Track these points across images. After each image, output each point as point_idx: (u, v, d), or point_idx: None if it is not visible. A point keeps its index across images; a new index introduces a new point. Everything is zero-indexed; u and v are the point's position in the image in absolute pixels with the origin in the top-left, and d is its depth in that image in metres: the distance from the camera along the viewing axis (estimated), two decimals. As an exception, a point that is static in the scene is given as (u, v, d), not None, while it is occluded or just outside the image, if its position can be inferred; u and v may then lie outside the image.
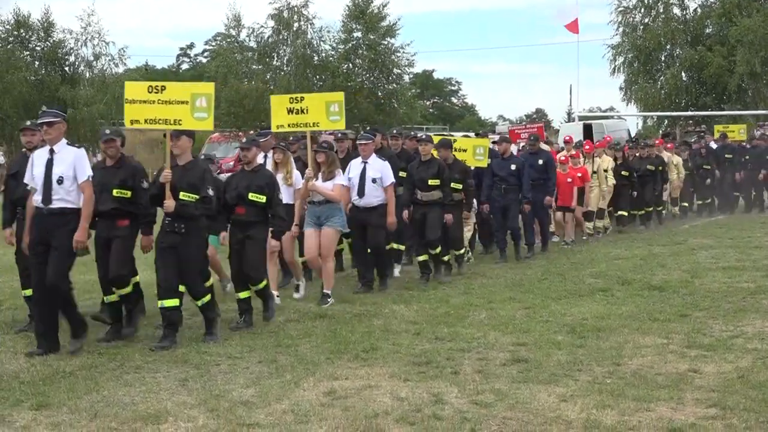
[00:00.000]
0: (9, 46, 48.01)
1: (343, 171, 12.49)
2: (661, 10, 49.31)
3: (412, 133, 15.65)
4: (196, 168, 9.72)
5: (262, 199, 10.48)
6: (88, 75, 49.15)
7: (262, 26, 52.59)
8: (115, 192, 9.80)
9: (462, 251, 14.54)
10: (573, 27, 43.19)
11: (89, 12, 48.99)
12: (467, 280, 13.59)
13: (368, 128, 15.57)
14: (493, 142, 17.46)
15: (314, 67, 52.59)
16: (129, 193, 9.88)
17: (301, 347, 9.18)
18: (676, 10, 49.78)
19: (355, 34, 53.49)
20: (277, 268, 12.16)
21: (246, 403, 7.20)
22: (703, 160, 24.33)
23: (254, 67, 52.75)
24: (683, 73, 48.81)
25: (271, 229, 10.71)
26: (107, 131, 10.55)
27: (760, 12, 44.99)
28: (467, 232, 15.23)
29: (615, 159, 20.20)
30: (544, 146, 18.87)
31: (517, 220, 15.92)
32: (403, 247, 14.34)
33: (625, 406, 6.96)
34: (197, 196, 9.48)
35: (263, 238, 10.63)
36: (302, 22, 52.27)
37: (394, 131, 16.04)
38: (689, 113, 47.73)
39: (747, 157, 25.11)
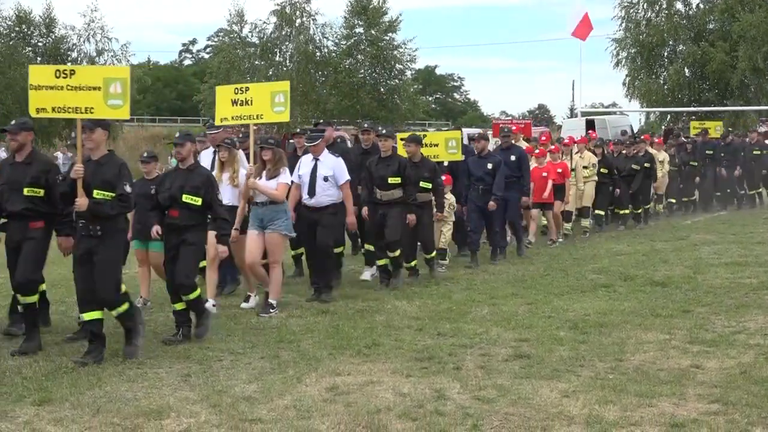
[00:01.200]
0: (11, 42, 48.03)
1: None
2: (665, 6, 49.27)
3: (380, 128, 14.86)
4: (111, 163, 8.65)
5: (198, 201, 9.46)
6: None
7: (264, 22, 52.66)
8: (26, 191, 9.10)
9: (433, 254, 13.61)
10: (580, 33, 42.63)
11: (92, 8, 49.07)
12: (469, 276, 13.59)
13: (320, 122, 14.73)
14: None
15: (316, 63, 52.60)
16: (42, 192, 9.17)
17: (304, 343, 9.18)
18: (679, 6, 49.74)
19: (356, 30, 53.52)
20: (217, 275, 11.34)
21: (248, 398, 7.20)
22: (689, 157, 23.91)
23: (256, 63, 52.77)
24: (686, 69, 48.78)
25: (215, 233, 9.89)
26: (13, 122, 9.57)
27: (763, 7, 44.94)
28: (447, 232, 14.57)
29: (595, 155, 19.48)
30: (521, 143, 18.27)
31: (496, 221, 15.06)
32: (373, 248, 13.21)
33: (627, 402, 6.95)
34: (113, 194, 8.48)
35: (199, 244, 9.72)
36: (304, 18, 52.31)
37: (365, 125, 15.06)
38: (692, 109, 47.66)
39: (722, 154, 24.86)
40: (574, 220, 18.94)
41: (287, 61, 52.93)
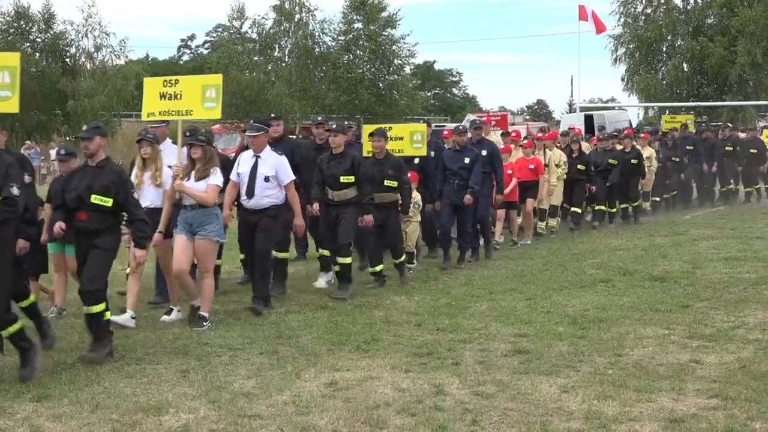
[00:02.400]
0: (9, 38, 48.01)
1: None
2: (663, 1, 49.30)
3: (331, 123, 13.59)
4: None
5: (108, 201, 8.44)
6: (89, 67, 49.15)
7: (263, 17, 52.66)
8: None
9: (402, 258, 12.69)
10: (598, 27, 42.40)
11: (90, 3, 49.05)
12: (468, 271, 13.58)
13: (273, 115, 13.12)
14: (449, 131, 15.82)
15: (315, 59, 52.62)
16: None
17: (302, 338, 9.17)
18: (678, 1, 49.79)
19: (355, 25, 53.54)
20: (141, 283, 10.28)
21: (247, 394, 7.19)
22: (671, 152, 23.28)
23: (255, 58, 52.78)
24: (684, 64, 48.86)
25: (132, 237, 9.09)
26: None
27: (761, 2, 45.01)
28: (412, 233, 13.51)
29: (571, 151, 18.92)
30: (496, 138, 17.74)
31: (470, 219, 14.23)
32: (327, 253, 12.32)
33: (626, 397, 6.95)
34: None
35: (110, 250, 8.58)
36: (303, 14, 52.31)
37: (319, 118, 14.02)
38: (690, 104, 47.71)
39: (701, 149, 24.39)
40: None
41: (286, 57, 52.96)
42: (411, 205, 12.99)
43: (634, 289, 11.68)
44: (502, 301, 11.00)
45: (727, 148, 24.57)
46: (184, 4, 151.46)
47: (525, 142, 17.72)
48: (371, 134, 12.75)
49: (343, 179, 11.61)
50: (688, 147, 23.74)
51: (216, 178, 9.97)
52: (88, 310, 8.34)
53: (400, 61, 54.29)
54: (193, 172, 9.98)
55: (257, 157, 10.72)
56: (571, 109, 59.40)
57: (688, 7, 49.96)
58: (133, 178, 9.88)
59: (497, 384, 7.37)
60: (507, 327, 9.55)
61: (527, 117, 68.37)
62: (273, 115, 12.81)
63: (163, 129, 11.10)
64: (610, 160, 19.51)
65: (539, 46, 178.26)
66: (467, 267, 13.96)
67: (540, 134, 18.86)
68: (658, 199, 22.57)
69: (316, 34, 52.97)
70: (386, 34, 53.28)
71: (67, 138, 42.12)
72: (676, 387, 7.20)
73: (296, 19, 51.98)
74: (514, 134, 18.72)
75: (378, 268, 12.35)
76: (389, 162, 12.47)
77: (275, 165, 10.70)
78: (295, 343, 8.98)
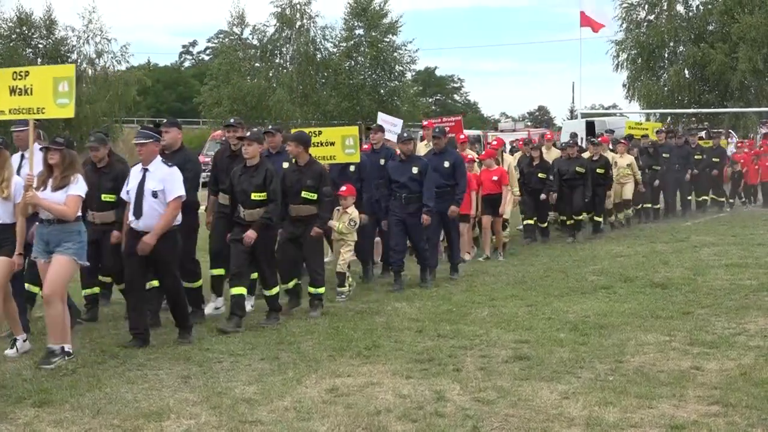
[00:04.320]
0: (11, 44, 48.12)
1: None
2: (665, 7, 49.33)
3: (270, 127, 12.89)
4: None
5: None
6: (90, 73, 49.23)
7: (264, 24, 52.78)
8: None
9: (321, 289, 11.04)
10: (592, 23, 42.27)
11: (91, 9, 49.13)
12: (469, 277, 13.57)
13: (164, 120, 11.62)
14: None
15: (316, 65, 52.71)
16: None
17: (304, 344, 9.17)
18: (680, 7, 49.79)
19: (357, 32, 53.62)
20: (13, 305, 8.90)
21: (248, 400, 7.20)
22: (652, 160, 21.99)
23: (257, 64, 52.88)
24: (686, 70, 48.84)
25: None
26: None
27: (762, 9, 45.00)
28: (347, 254, 12.11)
29: (531, 159, 17.94)
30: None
31: (422, 236, 12.91)
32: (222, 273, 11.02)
33: (627, 404, 6.95)
34: None
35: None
36: (305, 20, 52.41)
37: (231, 120, 11.83)
38: (692, 110, 47.72)
39: (677, 157, 23.22)
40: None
41: (287, 63, 53.05)
42: (347, 223, 11.96)
43: (635, 296, 11.68)
44: (503, 308, 10.99)
45: (696, 157, 23.90)
46: (185, 11, 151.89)
47: (484, 153, 16.71)
48: (289, 138, 11.62)
49: (255, 196, 10.15)
50: (664, 155, 22.62)
51: (77, 187, 8.58)
52: None
53: (401, 68, 54.36)
54: (50, 181, 8.63)
55: (145, 170, 9.22)
56: (573, 116, 59.42)
57: (690, 14, 49.96)
58: None
59: (498, 390, 7.37)
60: (508, 333, 9.55)
61: (528, 123, 68.37)
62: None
63: (26, 133, 9.76)
64: (577, 169, 18.20)
65: (541, 52, 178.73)
66: (469, 273, 13.93)
67: (495, 143, 17.50)
68: (638, 207, 21.72)
69: (318, 40, 53.10)
70: (387, 40, 53.35)
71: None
72: (677, 393, 7.21)
73: (297, 26, 52.08)
74: (495, 142, 17.71)
75: (291, 284, 11.08)
76: (310, 171, 10.98)
77: (163, 178, 9.14)
78: (296, 349, 8.99)
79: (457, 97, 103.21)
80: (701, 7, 49.66)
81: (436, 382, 7.64)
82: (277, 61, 53.61)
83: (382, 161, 13.69)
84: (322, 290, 11.03)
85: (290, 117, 48.00)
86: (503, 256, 15.76)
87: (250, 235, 10.01)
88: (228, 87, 50.89)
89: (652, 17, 49.92)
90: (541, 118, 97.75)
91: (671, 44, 49.64)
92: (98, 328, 10.07)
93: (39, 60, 48.66)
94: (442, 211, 13.17)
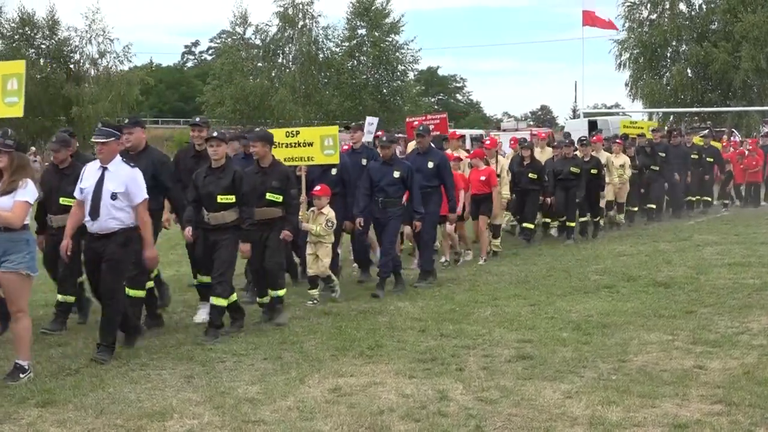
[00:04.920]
0: (14, 44, 48.24)
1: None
2: (667, 6, 49.36)
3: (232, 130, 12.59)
4: None
5: None
6: (93, 73, 49.33)
7: (267, 24, 52.85)
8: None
9: (281, 292, 10.53)
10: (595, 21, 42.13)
11: (94, 9, 49.23)
12: (472, 277, 13.56)
13: (129, 118, 11.22)
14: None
15: (319, 65, 52.77)
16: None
17: (306, 344, 9.17)
18: (682, 6, 49.87)
19: (359, 32, 53.69)
20: None
21: (251, 399, 7.20)
22: (650, 160, 21.42)
23: (259, 64, 52.94)
24: (689, 69, 48.91)
25: None
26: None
27: (765, 7, 45.07)
28: (326, 258, 11.55)
29: (522, 159, 17.15)
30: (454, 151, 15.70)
31: (393, 241, 12.48)
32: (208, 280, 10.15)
33: (630, 403, 6.95)
34: None
35: None
36: (307, 20, 52.48)
37: (197, 119, 11.38)
38: (695, 109, 47.73)
39: (673, 157, 22.61)
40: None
41: (290, 63, 53.11)
42: (324, 224, 11.42)
43: (638, 295, 11.67)
44: (506, 307, 10.99)
45: (692, 156, 23.41)
46: (187, 11, 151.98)
47: (473, 151, 16.06)
48: (253, 138, 11.00)
49: (221, 199, 9.70)
50: (660, 154, 22.08)
51: (26, 192, 7.97)
52: None
53: (403, 67, 54.41)
54: None
55: (104, 169, 8.65)
56: (575, 115, 59.42)
57: (693, 13, 49.99)
58: None
59: (501, 389, 7.37)
60: (511, 333, 9.55)
61: (531, 123, 68.35)
62: (133, 119, 10.77)
63: None
64: (572, 169, 17.63)
65: (543, 52, 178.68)
66: (472, 272, 13.93)
67: (488, 143, 16.83)
68: (635, 209, 21.13)
69: (320, 40, 53.17)
70: (390, 40, 53.40)
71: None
72: (680, 393, 7.20)
73: (300, 26, 52.14)
74: (488, 142, 17.03)
75: (264, 299, 10.61)
76: (275, 172, 10.55)
77: (126, 179, 8.59)
78: (299, 348, 8.99)
79: (459, 96, 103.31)
80: (704, 6, 49.75)
81: (439, 382, 7.63)
82: (279, 60, 53.72)
83: (363, 161, 13.35)
84: (282, 292, 10.54)
85: (293, 117, 48.05)
86: (485, 260, 15.07)
87: (245, 248, 9.82)
88: (230, 87, 50.99)
89: (654, 16, 49.97)
90: (543, 117, 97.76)
91: (674, 43, 49.73)
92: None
93: (42, 60, 48.77)
94: (425, 215, 12.62)
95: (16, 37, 48.56)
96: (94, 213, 8.55)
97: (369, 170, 12.53)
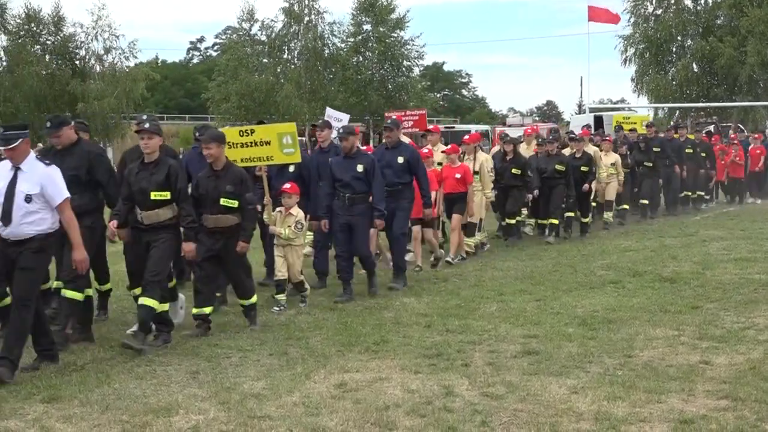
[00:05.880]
0: (20, 41, 48.32)
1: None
2: (673, 1, 49.30)
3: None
4: None
5: None
6: (98, 69, 49.40)
7: (273, 20, 52.90)
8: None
9: (253, 299, 9.96)
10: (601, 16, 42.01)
11: (100, 6, 49.30)
12: (478, 272, 13.55)
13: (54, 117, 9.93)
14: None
15: (324, 60, 52.79)
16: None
17: (312, 340, 9.18)
18: (688, 1, 49.81)
19: (364, 27, 53.68)
20: None
21: (257, 395, 7.20)
22: (644, 156, 20.86)
23: (264, 60, 52.97)
24: (694, 64, 48.85)
25: None
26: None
27: (771, 2, 44.92)
28: (298, 261, 10.96)
29: (504, 154, 16.46)
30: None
31: (366, 242, 11.91)
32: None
33: (636, 398, 6.94)
34: None
35: None
36: (313, 16, 52.51)
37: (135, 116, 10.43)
38: (700, 104, 47.67)
39: (669, 151, 21.94)
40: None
41: (295, 59, 53.14)
42: (294, 226, 10.78)
43: (644, 290, 11.66)
44: (512, 303, 10.98)
45: (687, 150, 22.82)
46: (193, 7, 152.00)
47: (449, 146, 15.07)
48: (207, 138, 10.00)
49: (154, 195, 8.95)
50: (655, 149, 21.31)
51: None
52: None
53: (409, 63, 54.39)
54: None
55: (17, 169, 7.95)
56: (581, 110, 59.35)
57: (698, 8, 49.91)
58: None
59: (507, 385, 7.37)
60: (516, 328, 9.54)
61: (537, 119, 68.30)
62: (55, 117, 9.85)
63: None
64: (557, 167, 16.88)
65: (549, 47, 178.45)
66: (478, 268, 13.92)
67: (467, 138, 15.73)
68: (626, 207, 20.45)
69: (326, 35, 53.16)
70: (395, 35, 53.38)
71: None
72: (686, 388, 7.19)
73: (305, 22, 52.15)
74: (467, 137, 15.94)
75: (207, 310, 9.63)
76: (229, 175, 9.72)
77: (40, 179, 7.91)
78: (304, 344, 8.99)
79: (465, 92, 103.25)
80: (709, 1, 49.67)
81: (445, 377, 7.63)
82: (285, 56, 53.72)
83: (330, 159, 12.31)
84: (254, 299, 9.95)
85: (298, 112, 48.04)
86: (453, 259, 14.35)
87: (189, 248, 9.17)
88: (236, 83, 51.02)
89: (660, 11, 49.89)
90: (549, 112, 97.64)
91: (679, 38, 49.68)
92: (107, 325, 10.08)
93: (47, 57, 48.83)
94: (396, 210, 12.18)
95: (21, 33, 48.61)
96: (6, 218, 7.83)
97: (332, 166, 11.76)
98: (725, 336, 9.00)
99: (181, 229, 9.19)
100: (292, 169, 11.76)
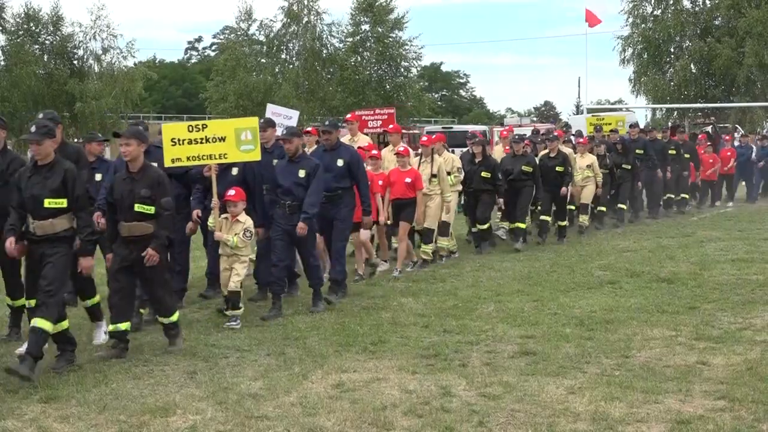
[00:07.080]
0: (18, 40, 48.27)
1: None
2: (671, 2, 49.33)
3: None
4: None
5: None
6: (96, 68, 49.37)
7: (271, 20, 52.92)
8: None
9: (174, 317, 8.94)
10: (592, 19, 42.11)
11: (100, 5, 49.35)
12: (475, 272, 13.56)
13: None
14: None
15: (323, 60, 52.79)
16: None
17: (310, 340, 9.18)
18: (686, 2, 49.84)
19: (363, 27, 53.69)
20: None
21: (254, 395, 7.20)
22: (622, 159, 19.94)
23: (262, 60, 52.98)
24: (692, 65, 48.86)
25: None
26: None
27: (769, 3, 44.96)
28: (241, 270, 10.18)
29: (473, 156, 15.52)
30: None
31: (312, 250, 11.03)
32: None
33: (633, 399, 6.95)
34: None
35: None
36: (311, 16, 52.51)
37: (40, 115, 9.29)
38: (698, 105, 47.70)
39: (651, 153, 21.15)
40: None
41: (293, 59, 53.14)
42: (242, 234, 10.12)
43: (641, 291, 11.67)
44: (509, 303, 10.99)
45: (670, 152, 22.06)
46: (190, 7, 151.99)
47: (402, 149, 13.76)
48: (126, 135, 8.81)
49: (48, 203, 7.99)
50: (638, 151, 20.68)
51: None
52: None
53: (407, 63, 54.39)
54: None
55: None
56: (579, 111, 59.38)
57: (696, 8, 49.94)
58: None
59: (504, 385, 7.37)
60: (514, 328, 9.55)
61: (534, 119, 68.28)
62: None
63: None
64: (524, 168, 16.09)
65: (547, 47, 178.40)
66: (476, 268, 13.92)
67: (425, 140, 14.57)
68: (603, 209, 19.47)
69: (324, 36, 53.16)
70: (394, 36, 53.39)
71: (75, 140, 42.29)
72: (683, 388, 7.20)
73: (304, 22, 52.17)
74: (425, 138, 14.77)
75: (123, 326, 8.64)
76: (145, 178, 8.68)
77: None
78: (302, 344, 8.99)
79: (463, 92, 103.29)
80: (708, 2, 49.71)
81: (442, 378, 7.64)
82: (283, 56, 53.71)
83: (275, 162, 11.35)
84: (175, 317, 8.94)
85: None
86: (399, 273, 13.36)
87: (87, 264, 8.38)
88: (234, 83, 51.02)
89: (658, 12, 49.91)
90: (547, 113, 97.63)
91: (677, 39, 49.69)
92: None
93: (45, 56, 48.82)
94: (335, 218, 11.55)
95: (20, 32, 48.57)
96: None
97: (276, 170, 10.98)
98: (722, 336, 9.00)
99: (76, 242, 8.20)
100: (235, 171, 10.87)
